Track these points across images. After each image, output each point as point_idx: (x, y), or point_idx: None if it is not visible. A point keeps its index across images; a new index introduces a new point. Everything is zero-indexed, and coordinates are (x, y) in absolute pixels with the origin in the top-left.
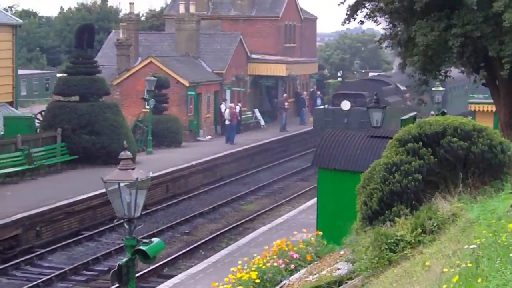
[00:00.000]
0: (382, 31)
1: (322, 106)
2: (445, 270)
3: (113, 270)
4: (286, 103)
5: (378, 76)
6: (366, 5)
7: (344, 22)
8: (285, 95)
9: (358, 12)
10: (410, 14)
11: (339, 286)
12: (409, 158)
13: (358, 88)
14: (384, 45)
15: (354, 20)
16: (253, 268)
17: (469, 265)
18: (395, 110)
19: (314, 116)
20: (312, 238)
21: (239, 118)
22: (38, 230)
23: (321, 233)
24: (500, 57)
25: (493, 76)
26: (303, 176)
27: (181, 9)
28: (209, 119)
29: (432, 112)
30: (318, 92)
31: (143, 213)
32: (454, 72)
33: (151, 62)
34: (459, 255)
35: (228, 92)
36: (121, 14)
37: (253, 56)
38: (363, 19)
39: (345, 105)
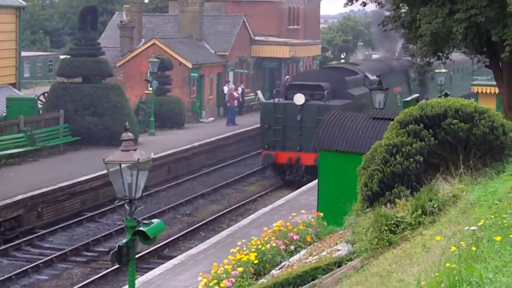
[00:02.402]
0: (386, 13)
1: (271, 100)
2: (445, 251)
3: (113, 251)
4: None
5: (343, 64)
6: None
7: (347, 4)
8: (287, 77)
9: None
10: None
11: (339, 267)
12: (410, 140)
13: (316, 78)
14: (388, 28)
15: (357, 1)
16: (252, 249)
17: (470, 246)
18: (361, 103)
19: (261, 112)
20: (312, 220)
21: (240, 99)
22: (39, 211)
23: (321, 214)
24: (503, 40)
25: (496, 59)
26: None
27: None
28: (212, 101)
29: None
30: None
31: (144, 194)
32: (456, 54)
33: (154, 43)
34: (459, 237)
35: (231, 74)
36: None
37: (257, 38)
38: (365, 1)
39: (299, 98)
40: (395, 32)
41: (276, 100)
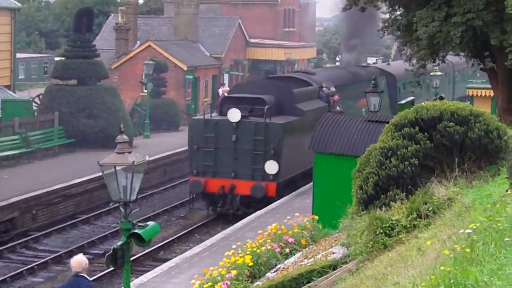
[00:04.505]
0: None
1: (201, 116)
2: (440, 254)
3: (108, 253)
4: None
5: (295, 73)
6: None
7: (345, 9)
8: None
9: None
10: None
11: (334, 270)
12: (406, 143)
13: (258, 90)
14: (385, 34)
15: (356, 6)
16: (247, 252)
17: (464, 249)
18: (312, 120)
19: (189, 129)
20: (307, 222)
21: None
22: (34, 214)
23: (316, 217)
24: (503, 46)
25: (492, 62)
26: None
27: None
28: (207, 103)
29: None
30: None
31: (139, 196)
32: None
33: (149, 46)
34: (454, 240)
35: (226, 76)
36: None
37: (252, 40)
38: (364, 6)
39: (234, 114)
40: (366, 37)
41: (207, 115)
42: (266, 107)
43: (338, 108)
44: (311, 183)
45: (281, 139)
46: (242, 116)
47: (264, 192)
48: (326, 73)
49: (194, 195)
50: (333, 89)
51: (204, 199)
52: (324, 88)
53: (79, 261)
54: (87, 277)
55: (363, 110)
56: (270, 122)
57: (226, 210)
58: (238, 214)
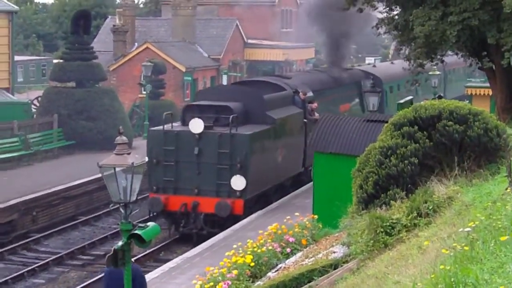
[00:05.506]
0: (379, 16)
1: (160, 126)
2: (440, 253)
3: (109, 254)
4: None
5: (267, 77)
6: None
7: (344, 10)
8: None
9: None
10: None
11: (335, 269)
12: (405, 142)
13: (225, 97)
14: (381, 31)
15: (354, 6)
16: (248, 252)
17: (464, 248)
18: (285, 129)
19: (147, 141)
20: (308, 222)
21: None
22: (34, 215)
23: (316, 216)
24: (499, 44)
25: (490, 61)
26: None
27: None
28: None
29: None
30: None
31: (139, 197)
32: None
33: (147, 47)
34: (454, 238)
35: (224, 77)
36: (117, 0)
37: (250, 41)
38: (362, 7)
39: (196, 125)
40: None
41: (167, 126)
42: (232, 116)
43: (316, 114)
44: (306, 185)
45: (249, 151)
46: (205, 127)
47: (230, 210)
48: (303, 77)
49: (154, 214)
50: (310, 93)
51: (165, 218)
52: (300, 93)
53: None
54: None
55: (345, 115)
56: (236, 133)
57: (190, 230)
58: (202, 234)
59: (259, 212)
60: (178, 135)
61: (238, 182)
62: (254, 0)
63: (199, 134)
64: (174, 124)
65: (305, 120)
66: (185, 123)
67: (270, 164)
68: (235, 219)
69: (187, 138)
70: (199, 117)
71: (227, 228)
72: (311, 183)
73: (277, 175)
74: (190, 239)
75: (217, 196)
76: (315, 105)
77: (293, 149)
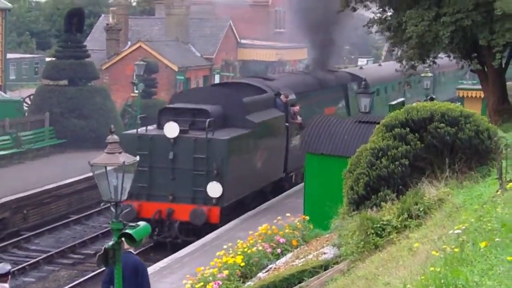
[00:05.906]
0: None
1: (134, 130)
2: (430, 254)
3: (100, 253)
4: None
5: (248, 79)
6: None
7: (339, 11)
8: None
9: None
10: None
11: (325, 270)
12: (396, 143)
13: (202, 99)
14: (373, 30)
15: (348, 7)
16: (238, 252)
17: (455, 250)
18: (265, 133)
19: (121, 145)
20: (298, 223)
21: None
22: (25, 214)
23: (307, 217)
24: (491, 46)
25: (482, 63)
26: None
27: None
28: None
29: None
30: None
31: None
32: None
33: (140, 46)
34: (445, 240)
35: (217, 77)
36: None
37: (243, 41)
38: (355, 6)
39: (171, 129)
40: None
41: (142, 130)
42: (208, 120)
43: (299, 118)
44: (298, 186)
45: (226, 156)
46: (181, 131)
47: (205, 218)
48: (287, 79)
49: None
50: (292, 96)
51: None
52: (281, 96)
53: None
54: (134, 252)
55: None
56: (213, 137)
57: (164, 238)
58: (177, 242)
59: (250, 213)
60: (152, 139)
61: (214, 189)
62: (248, 0)
63: (174, 139)
64: (149, 127)
65: (287, 124)
66: (160, 126)
67: (249, 170)
68: (211, 227)
69: (161, 142)
70: (174, 121)
71: (203, 237)
72: (303, 183)
73: (257, 181)
74: (164, 247)
75: (193, 203)
76: (297, 108)
77: (273, 154)
